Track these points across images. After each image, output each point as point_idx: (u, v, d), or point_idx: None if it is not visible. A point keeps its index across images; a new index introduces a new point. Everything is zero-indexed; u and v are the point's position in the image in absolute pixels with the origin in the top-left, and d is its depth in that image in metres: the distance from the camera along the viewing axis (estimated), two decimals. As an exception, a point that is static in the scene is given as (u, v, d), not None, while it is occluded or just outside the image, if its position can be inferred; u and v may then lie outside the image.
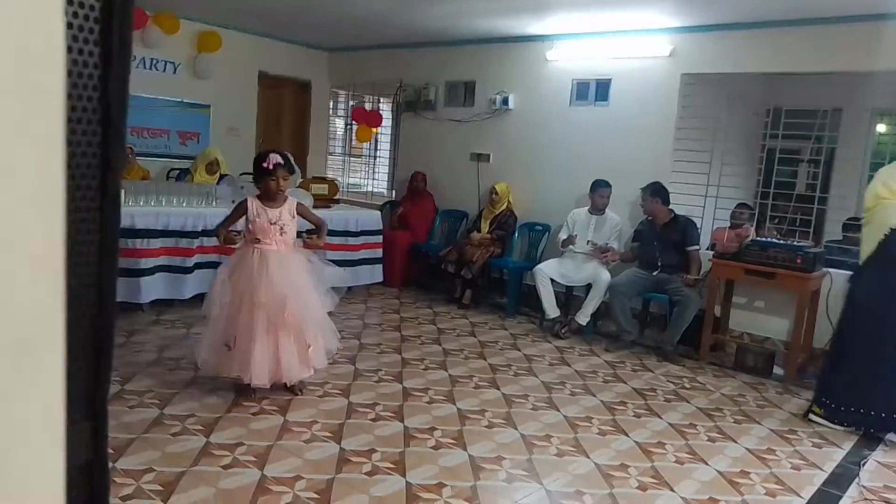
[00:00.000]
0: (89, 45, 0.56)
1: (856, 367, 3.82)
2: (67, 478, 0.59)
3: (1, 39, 0.44)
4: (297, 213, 3.65)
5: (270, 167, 3.49)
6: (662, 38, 5.65)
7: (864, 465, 3.42)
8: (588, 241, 5.64)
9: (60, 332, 0.52)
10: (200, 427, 3.16)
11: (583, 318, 5.47)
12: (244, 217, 3.57)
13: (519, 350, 5.01)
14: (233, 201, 4.85)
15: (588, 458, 3.23)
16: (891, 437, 3.83)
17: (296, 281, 3.51)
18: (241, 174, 5.91)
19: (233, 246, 3.64)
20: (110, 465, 2.69)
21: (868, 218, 3.81)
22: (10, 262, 0.47)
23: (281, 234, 3.54)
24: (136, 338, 4.46)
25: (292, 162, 3.68)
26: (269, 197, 3.56)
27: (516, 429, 3.50)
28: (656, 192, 5.33)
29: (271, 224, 3.51)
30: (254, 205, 3.54)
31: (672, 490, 2.97)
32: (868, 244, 3.78)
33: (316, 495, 2.63)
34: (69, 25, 0.54)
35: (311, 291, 3.57)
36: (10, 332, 0.48)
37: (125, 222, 4.70)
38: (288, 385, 3.65)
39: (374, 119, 7.89)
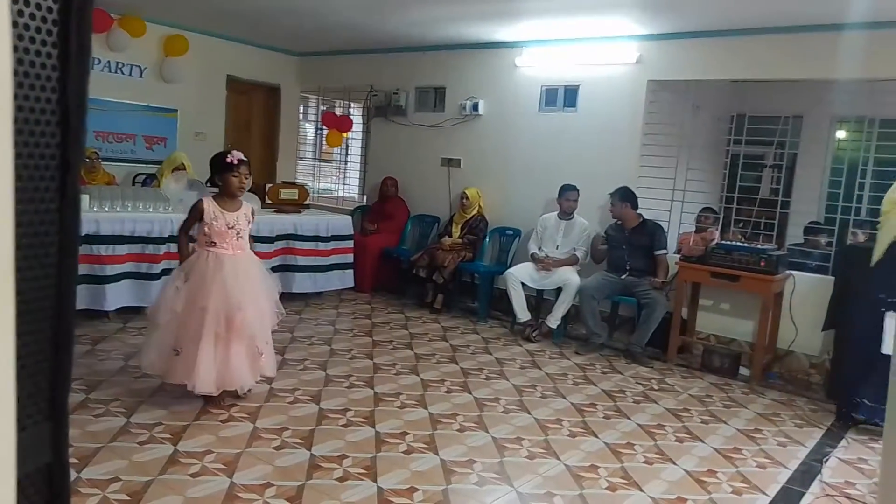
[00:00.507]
0: (47, 46, 0.56)
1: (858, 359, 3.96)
2: (28, 481, 0.58)
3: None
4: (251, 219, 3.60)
5: (235, 162, 3.43)
6: (629, 45, 5.74)
7: (826, 462, 3.51)
8: (546, 256, 5.69)
9: (10, 339, 0.52)
10: (168, 435, 3.12)
11: (553, 321, 5.52)
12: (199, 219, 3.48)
13: (490, 354, 5.03)
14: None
15: (558, 459, 3.25)
16: (851, 433, 3.94)
17: (250, 287, 3.46)
18: (207, 180, 5.86)
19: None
20: (75, 474, 2.64)
21: (882, 222, 3.91)
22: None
23: (237, 239, 3.48)
24: (101, 346, 4.38)
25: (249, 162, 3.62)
26: (230, 195, 3.49)
27: (487, 432, 3.51)
28: (625, 196, 5.41)
29: (229, 228, 3.44)
30: (210, 207, 3.44)
31: (641, 490, 3.01)
32: (879, 247, 3.87)
33: (286, 502, 2.61)
34: (26, 27, 0.54)
35: (263, 299, 3.53)
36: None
37: (90, 228, 4.62)
38: (239, 393, 3.61)
39: (345, 124, 7.87)
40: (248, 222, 3.56)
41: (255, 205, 4.71)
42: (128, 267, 4.86)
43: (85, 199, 4.75)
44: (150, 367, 3.49)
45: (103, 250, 4.70)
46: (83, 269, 4.62)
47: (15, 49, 0.54)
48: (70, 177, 0.59)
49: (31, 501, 0.59)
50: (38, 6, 0.55)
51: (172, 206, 5.10)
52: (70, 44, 0.57)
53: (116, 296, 4.80)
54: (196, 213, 3.47)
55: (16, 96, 0.54)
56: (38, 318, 0.58)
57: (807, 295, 4.98)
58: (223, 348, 3.38)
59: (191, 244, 3.58)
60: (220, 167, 3.47)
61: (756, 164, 6.69)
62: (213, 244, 3.42)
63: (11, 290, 0.50)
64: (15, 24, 0.54)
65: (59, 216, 0.59)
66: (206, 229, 3.43)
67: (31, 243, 0.56)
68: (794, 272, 5.08)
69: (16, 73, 0.54)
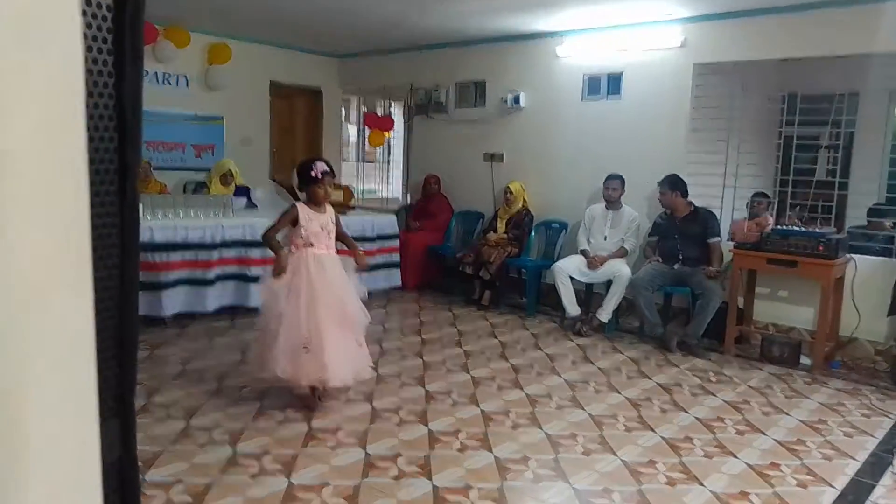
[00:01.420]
0: (103, 53, 0.56)
1: None
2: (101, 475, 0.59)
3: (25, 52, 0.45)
4: (336, 222, 3.74)
5: (319, 175, 3.56)
6: (673, 28, 5.61)
7: (897, 452, 3.36)
8: (594, 257, 5.60)
9: (91, 340, 0.53)
10: (227, 437, 3.18)
11: (604, 315, 5.43)
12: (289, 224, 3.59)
13: (541, 349, 4.98)
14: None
15: (615, 455, 3.20)
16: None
17: (347, 283, 3.59)
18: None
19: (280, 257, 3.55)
20: (140, 477, 2.71)
21: None
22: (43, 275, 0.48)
23: (329, 238, 3.62)
24: (160, 351, 4.50)
25: (333, 169, 3.78)
26: (316, 203, 3.63)
27: (541, 428, 3.48)
28: (675, 184, 5.28)
29: (322, 229, 3.59)
30: (304, 211, 3.58)
31: (702, 484, 2.93)
32: None
33: (344, 501, 2.63)
34: (83, 36, 0.54)
35: (357, 295, 3.63)
36: (42, 339, 0.48)
37: (145, 236, 4.75)
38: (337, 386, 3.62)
39: (386, 124, 7.91)
40: (334, 224, 3.69)
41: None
42: (182, 273, 4.98)
43: (138, 197, 4.89)
44: (284, 372, 3.40)
45: (158, 258, 4.83)
46: (140, 276, 4.75)
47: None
48: (129, 180, 0.59)
49: (104, 493, 0.60)
50: (94, 15, 0.55)
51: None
52: (125, 50, 0.57)
53: (173, 302, 4.93)
54: (289, 217, 3.58)
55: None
56: (105, 318, 0.58)
57: (870, 279, 4.79)
58: (341, 340, 3.49)
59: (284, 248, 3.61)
60: (306, 180, 3.60)
61: (811, 145, 6.45)
62: (311, 245, 3.55)
63: (90, 292, 0.51)
64: (84, 36, 0.54)
65: (119, 219, 0.59)
66: (304, 232, 3.54)
67: (95, 246, 0.57)
68: (855, 256, 4.89)
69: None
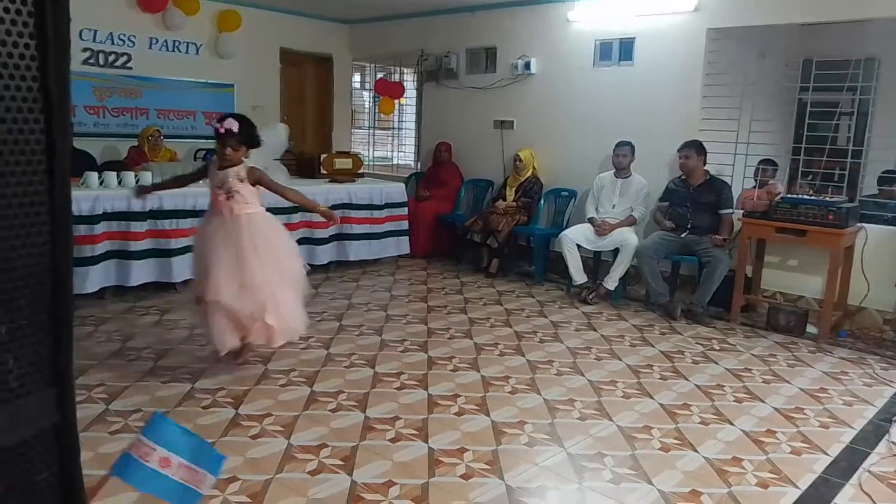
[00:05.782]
0: (24, 38, 0.58)
1: None
2: (37, 440, 0.63)
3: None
4: (255, 181, 3.43)
5: (222, 131, 3.30)
6: (687, -9, 5.48)
7: (895, 420, 3.37)
8: (603, 222, 5.58)
9: None
10: (230, 399, 3.27)
11: (611, 282, 5.44)
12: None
13: (545, 317, 5.01)
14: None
15: (611, 420, 3.24)
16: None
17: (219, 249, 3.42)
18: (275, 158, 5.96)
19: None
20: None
21: None
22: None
23: (228, 200, 3.36)
24: (169, 316, 4.60)
25: (253, 134, 3.42)
26: (221, 163, 3.41)
27: (539, 394, 3.53)
28: (701, 150, 5.21)
29: (221, 187, 3.37)
30: (211, 168, 3.46)
31: (695, 450, 2.97)
32: None
33: (340, 462, 2.71)
34: (0, 20, 0.57)
35: (263, 262, 3.41)
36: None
37: (154, 204, 4.82)
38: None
39: (396, 90, 7.86)
40: (242, 181, 3.37)
41: (280, 174, 4.69)
42: (192, 240, 5.04)
43: (148, 175, 4.95)
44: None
45: (167, 225, 4.90)
46: (150, 243, 4.85)
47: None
48: (58, 159, 0.62)
49: (41, 457, 0.64)
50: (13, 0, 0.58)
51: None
52: (47, 34, 0.59)
53: (183, 268, 4.99)
54: (200, 174, 3.63)
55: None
56: (35, 293, 0.61)
57: (880, 248, 4.74)
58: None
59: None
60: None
61: (829, 112, 6.31)
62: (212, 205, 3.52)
63: None
64: (1, 21, 0.57)
65: (49, 197, 0.62)
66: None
67: (23, 223, 0.60)
68: (865, 225, 4.83)
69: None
